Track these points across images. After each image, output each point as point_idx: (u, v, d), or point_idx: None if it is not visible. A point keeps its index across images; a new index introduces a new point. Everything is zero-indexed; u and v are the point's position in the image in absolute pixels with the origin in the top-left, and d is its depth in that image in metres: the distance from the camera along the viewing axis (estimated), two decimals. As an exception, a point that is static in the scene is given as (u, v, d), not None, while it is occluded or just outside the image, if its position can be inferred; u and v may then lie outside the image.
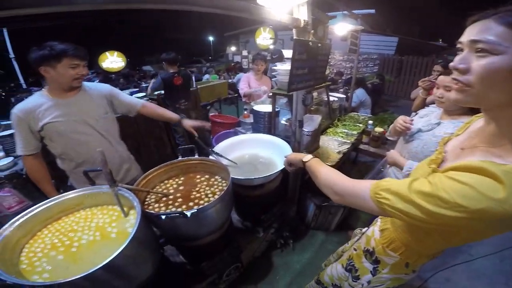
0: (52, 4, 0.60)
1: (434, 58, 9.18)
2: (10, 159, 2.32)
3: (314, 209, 2.17)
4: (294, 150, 1.67)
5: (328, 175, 0.84)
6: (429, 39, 13.86)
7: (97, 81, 8.09)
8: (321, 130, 2.37)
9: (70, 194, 1.12)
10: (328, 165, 1.79)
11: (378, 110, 4.86)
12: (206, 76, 7.92)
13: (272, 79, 2.00)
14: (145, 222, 1.00)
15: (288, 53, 3.80)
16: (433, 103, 1.51)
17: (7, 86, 11.21)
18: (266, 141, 1.84)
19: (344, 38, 2.99)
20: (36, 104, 1.38)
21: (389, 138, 1.71)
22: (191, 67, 13.50)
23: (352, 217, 2.46)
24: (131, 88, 4.92)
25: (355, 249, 1.17)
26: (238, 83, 6.83)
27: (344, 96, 3.11)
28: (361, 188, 0.69)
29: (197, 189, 1.31)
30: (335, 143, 2.17)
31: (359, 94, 3.83)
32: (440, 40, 15.60)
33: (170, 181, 1.39)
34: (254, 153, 1.84)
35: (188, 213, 1.01)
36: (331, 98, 2.63)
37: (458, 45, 0.59)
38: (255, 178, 1.45)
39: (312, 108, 2.26)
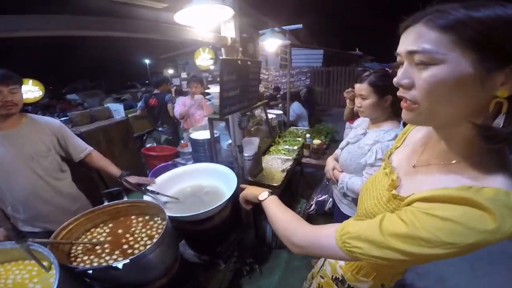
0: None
1: (354, 66, 10.46)
2: None
3: (271, 229, 2.11)
4: (238, 176, 1.61)
5: (285, 222, 0.72)
6: (349, 49, 15.65)
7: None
8: (264, 150, 2.38)
9: None
10: (273, 186, 1.79)
11: (314, 121, 5.20)
12: (141, 103, 7.34)
13: (207, 103, 1.92)
14: (70, 277, 0.89)
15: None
16: None
17: None
18: (207, 170, 1.74)
19: (277, 54, 3.12)
20: None
21: None
22: (124, 93, 12.53)
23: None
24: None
25: (322, 277, 1.11)
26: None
27: (282, 112, 3.22)
28: (326, 237, 0.61)
29: (133, 234, 1.17)
30: (278, 161, 2.18)
31: (295, 107, 4.04)
32: (357, 49, 17.60)
33: (98, 229, 1.21)
34: (197, 184, 1.71)
35: (119, 265, 0.89)
36: (270, 116, 2.68)
37: (398, 58, 0.53)
38: (200, 212, 1.32)
39: (252, 129, 2.25)
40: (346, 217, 1.41)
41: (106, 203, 1.29)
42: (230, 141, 2.01)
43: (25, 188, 1.38)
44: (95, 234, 1.19)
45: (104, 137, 3.21)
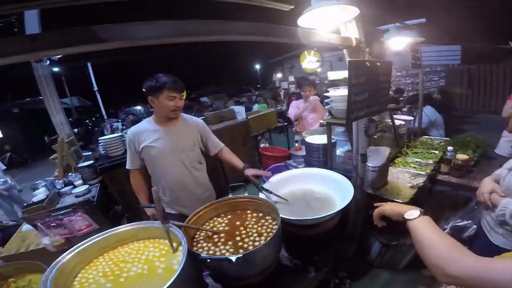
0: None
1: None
2: (86, 187, 2.63)
3: (380, 247, 1.87)
4: (355, 187, 1.47)
5: (441, 249, 0.64)
6: (496, 43, 11.86)
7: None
8: (389, 161, 2.07)
9: (127, 227, 1.20)
10: (400, 202, 1.54)
11: (451, 130, 4.17)
12: (256, 106, 7.99)
13: (325, 107, 1.84)
14: (191, 260, 0.99)
15: (335, 75, 3.65)
16: None
17: (93, 117, 13.41)
18: (321, 176, 1.67)
19: (398, 52, 2.71)
20: (143, 128, 1.63)
21: None
22: (242, 97, 14.07)
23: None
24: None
25: None
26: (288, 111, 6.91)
27: (412, 118, 2.72)
28: (502, 271, 0.52)
29: (245, 228, 1.25)
30: (406, 175, 1.84)
31: (428, 112, 3.34)
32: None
33: (219, 219, 1.35)
34: (308, 189, 1.67)
35: (233, 258, 0.95)
36: (397, 122, 2.31)
37: None
38: (308, 218, 1.30)
39: (375, 136, 1.99)
40: (495, 247, 1.28)
41: (230, 196, 1.43)
42: (347, 148, 1.86)
43: (175, 175, 1.66)
44: (216, 223, 1.32)
45: (229, 135, 3.73)
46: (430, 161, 2.02)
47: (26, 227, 2.70)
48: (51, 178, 3.02)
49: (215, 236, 1.21)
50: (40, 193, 2.74)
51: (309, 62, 7.25)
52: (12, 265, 1.34)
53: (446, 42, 9.67)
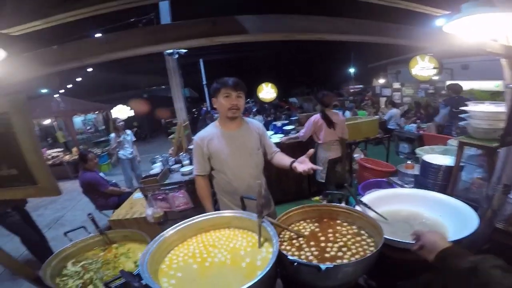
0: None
1: None
2: (191, 167, 2.96)
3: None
4: (482, 218, 1.22)
5: None
6: None
7: (254, 110, 9.65)
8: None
9: (224, 213, 1.27)
10: None
11: None
12: (347, 113, 7.26)
13: (460, 123, 1.54)
14: (276, 260, 0.96)
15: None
16: None
17: (200, 107, 15.54)
18: (434, 200, 1.44)
19: None
20: (209, 133, 1.67)
21: None
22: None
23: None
24: (282, 120, 5.26)
25: None
26: (390, 121, 6.12)
27: None
28: None
29: (336, 239, 1.17)
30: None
31: None
32: None
33: (304, 224, 1.31)
34: (415, 212, 1.46)
35: (323, 267, 0.87)
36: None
37: None
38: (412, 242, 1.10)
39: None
40: None
41: (323, 203, 1.39)
42: (477, 174, 1.52)
43: (244, 178, 1.64)
44: (300, 227, 1.27)
45: (320, 139, 3.63)
46: None
47: (137, 195, 3.12)
48: (166, 154, 3.61)
49: (295, 240, 1.17)
50: (157, 167, 3.19)
51: (422, 68, 6.22)
52: (120, 232, 1.43)
53: None
